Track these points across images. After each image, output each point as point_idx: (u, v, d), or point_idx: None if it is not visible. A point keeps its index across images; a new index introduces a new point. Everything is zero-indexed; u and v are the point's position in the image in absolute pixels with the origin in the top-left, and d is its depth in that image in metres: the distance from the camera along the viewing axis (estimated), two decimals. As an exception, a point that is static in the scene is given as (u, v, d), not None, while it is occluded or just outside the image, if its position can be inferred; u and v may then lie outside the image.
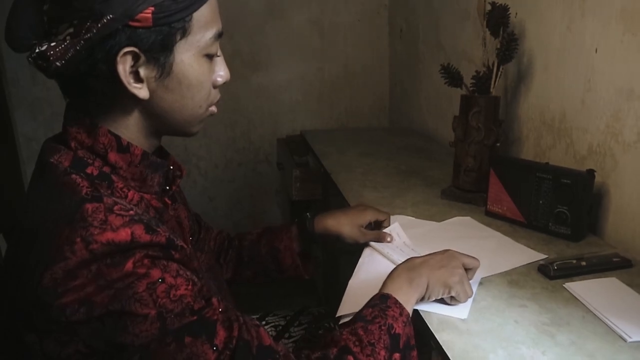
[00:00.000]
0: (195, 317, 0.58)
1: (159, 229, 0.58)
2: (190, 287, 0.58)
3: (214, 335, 0.58)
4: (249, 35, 2.27)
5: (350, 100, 2.45)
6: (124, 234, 0.55)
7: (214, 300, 0.61)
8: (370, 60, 2.41)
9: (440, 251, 0.80)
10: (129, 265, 0.54)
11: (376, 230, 1.03)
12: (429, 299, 0.76)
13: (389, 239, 1.00)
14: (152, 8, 0.57)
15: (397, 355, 0.68)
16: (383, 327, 0.68)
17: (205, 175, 2.41)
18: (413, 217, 1.13)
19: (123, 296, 0.54)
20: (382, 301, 0.72)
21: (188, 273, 0.60)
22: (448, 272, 0.76)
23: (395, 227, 1.04)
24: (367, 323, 0.69)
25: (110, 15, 0.56)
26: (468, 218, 1.13)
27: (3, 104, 2.08)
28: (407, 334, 0.70)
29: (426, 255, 0.79)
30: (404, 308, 0.72)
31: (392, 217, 1.08)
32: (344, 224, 1.00)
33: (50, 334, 0.56)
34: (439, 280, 0.76)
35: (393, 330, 0.68)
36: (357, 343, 0.66)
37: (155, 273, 0.56)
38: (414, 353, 0.70)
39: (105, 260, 0.54)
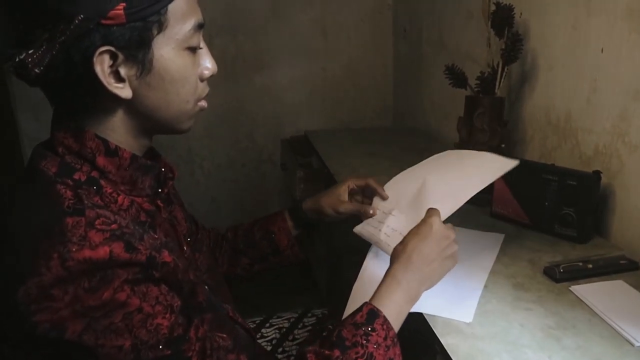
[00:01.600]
0: (169, 352, 0.56)
1: (139, 247, 0.56)
2: (168, 315, 0.57)
3: None
4: (252, 36, 2.27)
5: (354, 101, 2.44)
6: (102, 252, 0.53)
7: (192, 332, 0.59)
8: (374, 60, 2.40)
9: (426, 227, 0.74)
10: (108, 293, 0.53)
11: (366, 201, 1.01)
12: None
13: (371, 212, 0.96)
14: (124, 4, 0.56)
15: None
16: (360, 359, 0.64)
17: (208, 175, 2.41)
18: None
19: (98, 326, 0.53)
20: (368, 320, 0.67)
21: (168, 297, 0.58)
22: (446, 264, 0.73)
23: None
24: (344, 352, 0.64)
25: (81, 16, 0.54)
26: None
27: (7, 105, 2.09)
28: (390, 356, 0.66)
29: (420, 244, 0.73)
30: (391, 329, 0.67)
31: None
32: (322, 197, 1.00)
33: (20, 345, 0.55)
34: (438, 277, 0.73)
35: None
36: None
37: (134, 302, 0.54)
38: None
39: (82, 282, 0.52)
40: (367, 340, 0.65)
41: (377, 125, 2.47)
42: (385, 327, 0.67)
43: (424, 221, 0.76)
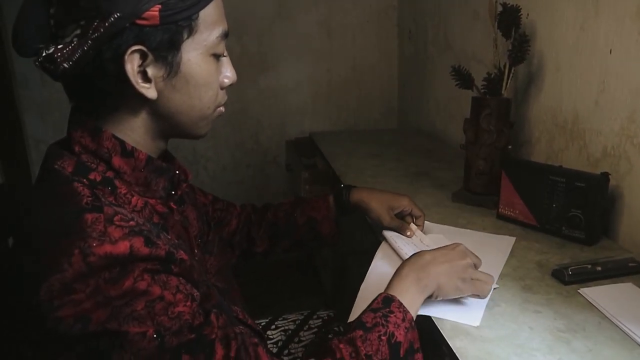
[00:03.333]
0: (193, 335, 0.56)
1: (158, 242, 0.57)
2: (189, 303, 0.57)
3: (212, 355, 0.57)
4: (256, 37, 2.27)
5: (359, 102, 2.44)
6: (122, 247, 0.53)
7: (212, 317, 0.59)
8: (379, 61, 2.40)
9: (450, 245, 0.78)
10: (129, 282, 0.53)
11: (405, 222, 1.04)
12: (436, 298, 0.75)
13: (408, 233, 1.00)
14: (159, 6, 0.57)
15: None
16: (383, 337, 0.66)
17: (213, 176, 2.41)
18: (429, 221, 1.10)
19: (121, 314, 0.53)
20: (385, 304, 0.70)
21: (188, 287, 0.58)
22: (458, 275, 0.74)
23: (428, 234, 1.03)
24: (367, 331, 0.66)
25: (118, 14, 0.55)
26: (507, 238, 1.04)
27: (13, 107, 2.09)
28: (410, 339, 0.68)
29: (435, 251, 0.77)
30: (408, 312, 0.69)
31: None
32: (375, 199, 1.03)
33: (44, 346, 0.54)
34: (449, 282, 0.74)
35: (394, 339, 0.66)
36: (353, 355, 0.64)
37: (155, 290, 0.55)
38: (418, 356, 0.68)
39: (103, 274, 0.52)
40: (387, 321, 0.67)
41: (382, 127, 2.47)
42: (401, 309, 0.69)
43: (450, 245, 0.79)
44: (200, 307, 0.59)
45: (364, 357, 0.64)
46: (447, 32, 1.82)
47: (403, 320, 0.68)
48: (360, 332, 0.66)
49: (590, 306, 0.78)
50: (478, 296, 0.76)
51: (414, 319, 0.70)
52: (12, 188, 2.00)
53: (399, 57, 2.39)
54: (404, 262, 0.77)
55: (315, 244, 1.08)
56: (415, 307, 0.72)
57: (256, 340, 0.64)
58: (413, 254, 0.78)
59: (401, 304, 0.70)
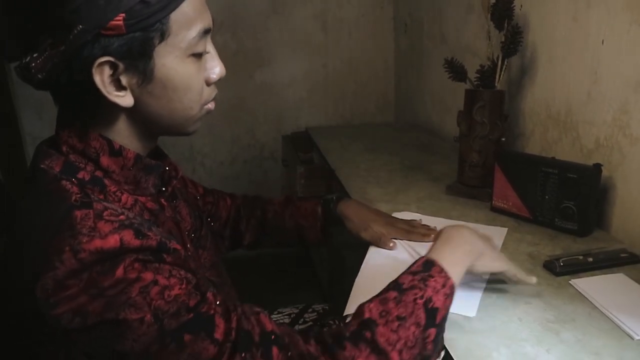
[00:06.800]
0: (191, 315, 0.56)
1: (149, 233, 0.57)
2: (184, 285, 0.57)
3: (213, 330, 0.57)
4: (252, 32, 2.26)
5: (355, 96, 2.44)
6: (112, 241, 0.54)
7: (209, 294, 0.59)
8: (375, 55, 2.40)
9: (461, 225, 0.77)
10: (120, 271, 0.53)
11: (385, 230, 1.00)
12: (475, 269, 0.72)
13: (391, 245, 0.95)
14: (123, 15, 0.55)
15: (432, 330, 0.62)
16: (419, 301, 0.62)
17: (210, 172, 2.41)
18: (421, 214, 1.10)
19: (116, 303, 0.53)
20: (425, 268, 0.66)
21: (182, 272, 0.58)
22: (495, 253, 0.75)
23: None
24: (402, 293, 0.63)
25: (81, 26, 0.54)
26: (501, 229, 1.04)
27: (9, 104, 2.09)
28: (448, 307, 0.65)
29: (456, 228, 0.76)
30: (449, 278, 0.65)
31: (401, 213, 1.06)
32: (358, 216, 1.00)
33: (49, 342, 0.55)
34: (491, 254, 0.74)
35: (431, 304, 0.62)
36: (383, 314, 0.61)
37: (147, 276, 0.55)
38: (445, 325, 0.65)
39: (95, 268, 0.53)
40: (426, 285, 0.64)
41: (378, 121, 2.47)
42: (443, 274, 0.66)
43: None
44: (195, 288, 0.59)
45: (395, 318, 0.61)
46: (442, 25, 1.82)
47: (443, 285, 0.65)
48: (395, 294, 0.63)
49: (580, 297, 0.78)
50: (506, 280, 0.77)
51: (455, 286, 0.66)
52: (8, 185, 2.00)
53: (395, 51, 2.39)
54: (445, 228, 0.74)
55: (300, 246, 1.08)
56: (458, 274, 0.68)
57: (258, 309, 0.64)
58: (456, 225, 0.76)
59: (442, 269, 0.66)
